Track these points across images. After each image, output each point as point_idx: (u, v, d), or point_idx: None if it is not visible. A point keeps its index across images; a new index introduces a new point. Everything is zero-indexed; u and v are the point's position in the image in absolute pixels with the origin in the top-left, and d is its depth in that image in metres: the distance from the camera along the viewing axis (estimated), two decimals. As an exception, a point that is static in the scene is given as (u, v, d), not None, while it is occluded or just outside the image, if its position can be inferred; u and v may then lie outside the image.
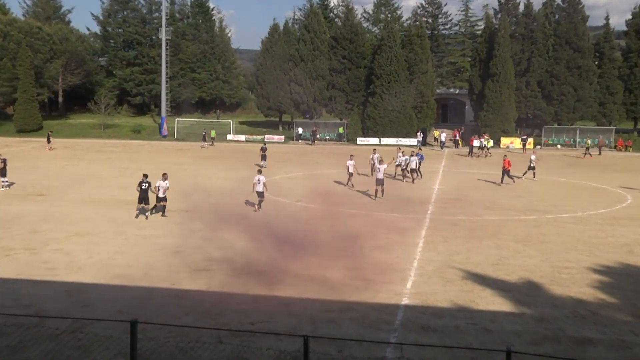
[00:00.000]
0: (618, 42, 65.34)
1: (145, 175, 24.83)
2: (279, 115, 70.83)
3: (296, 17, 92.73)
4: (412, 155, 34.64)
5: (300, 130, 64.36)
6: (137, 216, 24.14)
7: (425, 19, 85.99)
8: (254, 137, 64.50)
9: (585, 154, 51.63)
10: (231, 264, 17.59)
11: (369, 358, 11.59)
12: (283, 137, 64.35)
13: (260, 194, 25.78)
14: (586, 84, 61.10)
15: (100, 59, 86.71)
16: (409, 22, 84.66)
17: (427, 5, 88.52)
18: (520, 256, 19.00)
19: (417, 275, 16.91)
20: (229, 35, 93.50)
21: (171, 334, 12.43)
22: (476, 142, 51.57)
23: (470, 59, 74.08)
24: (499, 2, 65.82)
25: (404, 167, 35.14)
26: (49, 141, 53.57)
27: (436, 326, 13.27)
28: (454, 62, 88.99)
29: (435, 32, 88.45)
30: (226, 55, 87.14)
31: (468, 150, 51.78)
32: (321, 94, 65.88)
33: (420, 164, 35.36)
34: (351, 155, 33.22)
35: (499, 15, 64.40)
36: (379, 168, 29.69)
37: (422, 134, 59.70)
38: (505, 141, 59.41)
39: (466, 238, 21.21)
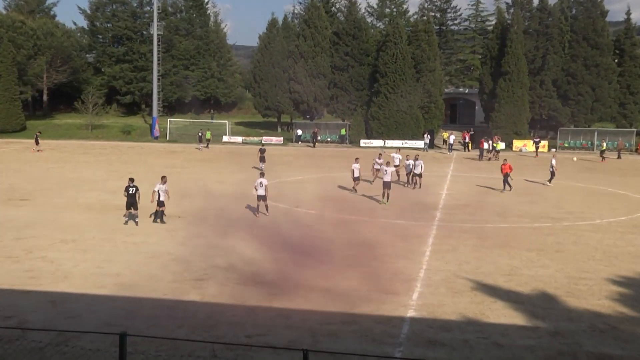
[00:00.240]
0: (640, 38, 65.47)
1: (132, 180, 24.84)
2: (277, 116, 70.87)
3: (296, 11, 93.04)
4: (416, 159, 34.61)
5: (299, 131, 64.41)
6: (126, 222, 24.18)
7: (433, 14, 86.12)
8: (251, 138, 64.57)
9: (602, 157, 51.55)
10: (226, 273, 17.61)
11: (373, 374, 11.60)
12: (282, 138, 64.41)
13: (263, 198, 25.85)
14: (605, 83, 61.13)
15: (87, 55, 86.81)
16: (415, 16, 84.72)
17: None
18: (534, 266, 19.00)
19: (423, 285, 16.91)
20: (224, 30, 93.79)
21: (162, 347, 12.45)
22: (486, 145, 51.59)
23: (480, 56, 74.20)
24: (512, -5, 65.96)
25: (408, 171, 35.13)
26: (37, 142, 53.61)
27: (444, 340, 13.27)
28: (464, 59, 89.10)
29: (444, 27, 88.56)
30: (222, 51, 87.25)
31: (478, 153, 51.77)
32: (322, 93, 65.89)
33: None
34: (357, 159, 33.24)
35: (512, 10, 64.47)
36: (385, 170, 29.94)
37: (429, 136, 59.71)
38: (517, 144, 59.44)
39: (476, 246, 21.21)
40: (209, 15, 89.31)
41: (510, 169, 33.24)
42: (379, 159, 35.31)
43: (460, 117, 77.70)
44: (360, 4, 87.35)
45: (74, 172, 40.04)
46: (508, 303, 15.58)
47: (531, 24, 62.96)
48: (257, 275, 17.41)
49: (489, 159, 50.25)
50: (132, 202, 24.26)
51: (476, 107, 73.52)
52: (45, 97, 79.65)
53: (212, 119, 75.99)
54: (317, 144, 61.75)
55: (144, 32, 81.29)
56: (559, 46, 61.79)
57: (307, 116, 69.71)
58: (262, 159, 41.27)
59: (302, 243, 20.86)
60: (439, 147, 61.52)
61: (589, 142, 60.01)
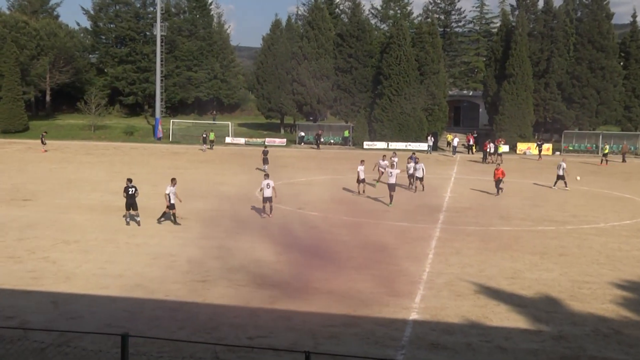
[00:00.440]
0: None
1: (130, 180, 24.91)
2: (280, 117, 70.93)
3: (300, 12, 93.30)
4: (417, 162, 34.51)
5: (302, 133, 64.43)
6: (128, 223, 24.22)
7: (437, 16, 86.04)
8: (254, 140, 64.63)
9: (602, 160, 51.35)
10: (229, 275, 17.63)
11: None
12: (285, 140, 64.45)
13: (270, 199, 25.89)
14: (610, 85, 61.05)
15: (90, 56, 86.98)
16: (419, 18, 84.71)
17: (439, 1, 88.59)
18: (538, 269, 18.98)
19: (426, 288, 16.91)
20: (228, 31, 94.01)
21: (164, 348, 12.47)
22: (491, 148, 51.49)
23: (485, 59, 74.16)
24: (517, -2, 66.00)
25: (409, 174, 35.02)
26: (43, 142, 53.78)
27: (446, 343, 13.27)
28: (468, 61, 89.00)
29: (448, 29, 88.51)
30: (225, 52, 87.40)
31: (482, 156, 51.74)
32: (325, 95, 65.91)
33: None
34: (362, 161, 33.21)
35: (517, 12, 64.51)
36: (391, 172, 30.10)
37: (432, 139, 59.70)
38: (521, 147, 59.40)
39: (479, 249, 21.21)
40: (212, 16, 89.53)
41: (503, 174, 32.97)
42: (383, 160, 35.31)
43: (464, 119, 77.65)
44: (364, 6, 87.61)
45: (76, 172, 40.11)
46: (511, 306, 15.57)
47: (536, 27, 62.93)
48: (260, 277, 17.44)
49: (492, 162, 50.13)
50: (131, 202, 24.31)
51: (480, 110, 73.44)
52: (48, 98, 79.80)
53: (214, 120, 76.03)
54: (320, 145, 61.74)
55: (147, 33, 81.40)
56: (564, 49, 61.72)
57: (311, 118, 69.75)
58: (265, 161, 41.35)
59: (304, 245, 20.89)
60: (442, 149, 61.50)
61: (594, 145, 59.92)
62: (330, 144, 64.07)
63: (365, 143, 61.73)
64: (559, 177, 35.46)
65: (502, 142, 53.90)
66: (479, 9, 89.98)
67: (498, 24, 71.91)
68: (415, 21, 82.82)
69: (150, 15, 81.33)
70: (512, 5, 68.22)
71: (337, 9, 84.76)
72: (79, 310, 14.86)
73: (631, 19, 64.79)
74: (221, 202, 29.14)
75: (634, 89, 61.78)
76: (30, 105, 77.22)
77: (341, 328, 13.94)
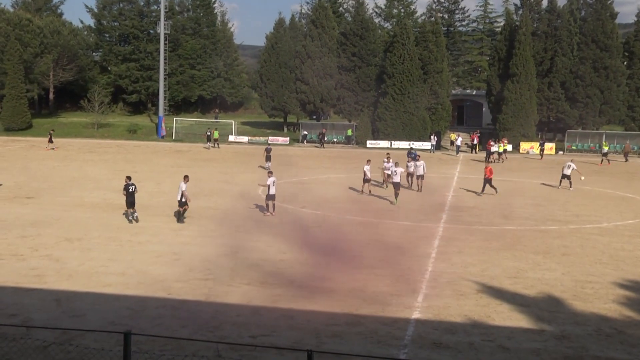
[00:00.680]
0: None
1: (129, 178, 24.97)
2: (283, 116, 70.95)
3: (303, 11, 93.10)
4: (417, 160, 34.38)
5: (305, 132, 64.42)
6: (130, 221, 24.24)
7: (441, 15, 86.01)
8: (257, 138, 64.64)
9: (602, 160, 51.23)
10: (231, 273, 17.64)
11: (377, 375, 11.59)
12: (288, 139, 64.45)
13: (273, 197, 25.92)
14: (614, 85, 60.96)
15: (94, 54, 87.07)
16: (423, 17, 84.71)
17: (443, 0, 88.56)
18: (540, 269, 18.97)
19: (429, 287, 16.90)
20: (231, 29, 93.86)
21: (166, 347, 12.49)
22: (494, 147, 51.41)
23: (488, 58, 74.10)
24: (520, -3, 65.86)
25: (410, 172, 34.95)
26: (50, 141, 53.85)
27: (449, 342, 13.27)
28: (471, 61, 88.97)
29: (452, 28, 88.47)
30: (228, 51, 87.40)
31: (485, 155, 51.68)
32: (329, 94, 65.89)
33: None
34: (368, 160, 33.17)
35: (520, 12, 64.37)
36: (395, 171, 30.13)
37: (436, 138, 59.64)
38: (525, 146, 59.32)
39: (482, 249, 21.20)
40: (215, 15, 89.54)
41: (491, 172, 32.82)
42: (388, 162, 35.28)
43: (467, 118, 77.61)
44: (367, 5, 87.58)
45: (79, 170, 40.16)
46: (514, 306, 15.56)
47: (540, 26, 62.84)
48: (262, 276, 17.45)
49: (494, 161, 50.10)
50: (132, 200, 24.37)
51: (483, 109, 73.42)
52: (51, 96, 79.90)
53: (216, 119, 76.06)
54: (324, 144, 61.68)
55: (151, 31, 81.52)
56: (568, 48, 61.60)
57: (314, 116, 69.74)
58: (268, 158, 41.39)
59: (307, 244, 20.88)
60: (446, 148, 61.45)
61: (597, 145, 59.75)
62: (333, 142, 64.04)
63: (368, 142, 61.69)
64: (565, 177, 35.26)
65: (506, 142, 53.80)
66: (482, 8, 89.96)
67: (502, 23, 71.92)
68: (419, 20, 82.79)
69: (154, 14, 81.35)
70: (516, 5, 68.02)
71: (340, 8, 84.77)
72: (82, 308, 14.88)
73: (635, 19, 64.73)
74: (224, 200, 29.18)
75: (637, 88, 61.66)
76: (33, 103, 77.29)
77: (344, 327, 13.94)
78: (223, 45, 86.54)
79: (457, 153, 56.79)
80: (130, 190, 24.35)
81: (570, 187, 34.95)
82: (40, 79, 75.40)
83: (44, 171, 39.51)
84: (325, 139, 62.69)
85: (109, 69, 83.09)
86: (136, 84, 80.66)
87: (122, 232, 22.82)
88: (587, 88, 60.94)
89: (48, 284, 16.69)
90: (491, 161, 49.73)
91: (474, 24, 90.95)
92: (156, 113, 72.05)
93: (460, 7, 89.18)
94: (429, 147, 58.20)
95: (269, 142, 57.68)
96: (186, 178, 24.88)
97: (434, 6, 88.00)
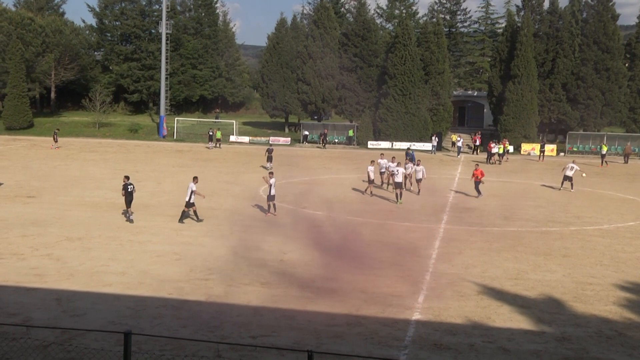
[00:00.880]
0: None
1: (127, 177, 25.03)
2: (285, 116, 70.96)
3: (305, 11, 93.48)
4: (418, 164, 34.28)
5: (306, 132, 64.40)
6: (131, 221, 24.24)
7: (443, 16, 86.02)
8: (258, 138, 64.64)
9: (602, 162, 51.20)
10: (232, 273, 17.63)
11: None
12: (289, 139, 64.43)
13: (274, 198, 25.99)
14: (615, 87, 60.92)
15: (95, 53, 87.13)
16: (425, 18, 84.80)
17: (444, 1, 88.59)
18: (541, 270, 18.95)
19: (429, 288, 16.89)
20: (233, 29, 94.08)
21: (167, 346, 12.48)
22: (495, 149, 51.34)
23: (490, 59, 74.05)
24: (522, -2, 65.88)
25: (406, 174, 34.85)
26: (55, 140, 53.90)
27: (449, 344, 13.26)
28: (473, 62, 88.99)
29: (453, 29, 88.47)
30: (230, 51, 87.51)
31: (486, 156, 51.63)
32: (330, 94, 65.91)
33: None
34: (372, 161, 33.21)
35: (522, 13, 64.30)
36: (397, 171, 30.37)
37: (437, 139, 59.61)
38: (526, 147, 59.26)
39: (483, 250, 21.18)
40: (217, 15, 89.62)
41: (482, 174, 32.51)
42: (393, 162, 35.15)
43: (468, 119, 77.62)
44: (369, 5, 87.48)
45: (80, 170, 40.17)
46: (514, 307, 15.55)
47: (541, 27, 62.80)
48: (263, 276, 17.45)
49: (494, 162, 50.10)
50: (131, 199, 24.42)
51: (485, 110, 73.40)
52: (53, 95, 79.97)
53: (216, 118, 76.03)
54: (326, 145, 61.65)
55: (153, 31, 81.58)
56: (569, 50, 61.57)
57: (315, 117, 69.73)
58: (270, 159, 41.38)
59: (307, 244, 20.88)
60: (447, 149, 61.42)
61: (599, 146, 59.68)
62: (334, 143, 64.02)
63: (369, 142, 61.67)
64: (567, 178, 35.15)
65: (507, 143, 53.75)
66: (484, 9, 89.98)
67: (503, 25, 71.76)
68: (421, 21, 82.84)
69: (155, 13, 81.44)
70: (517, 6, 67.98)
71: (342, 8, 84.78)
72: (82, 307, 14.88)
73: (637, 20, 64.73)
74: (225, 201, 29.18)
75: (639, 90, 61.59)
76: (35, 102, 77.39)
77: (344, 327, 13.94)
78: (225, 45, 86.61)
79: (458, 154, 56.75)
80: (129, 189, 24.39)
81: (572, 188, 34.92)
82: (41, 78, 75.48)
83: (45, 170, 39.52)
84: (327, 139, 62.67)
85: (111, 68, 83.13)
86: (137, 84, 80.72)
87: (123, 231, 22.82)
88: (589, 89, 60.90)
89: (48, 283, 16.69)
90: (492, 162, 49.77)
91: (476, 25, 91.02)
92: (157, 113, 72.06)
93: (462, 8, 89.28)
94: (430, 148, 58.19)
95: (270, 142, 57.65)
96: (195, 179, 24.95)
97: (435, 7, 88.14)
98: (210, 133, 58.93)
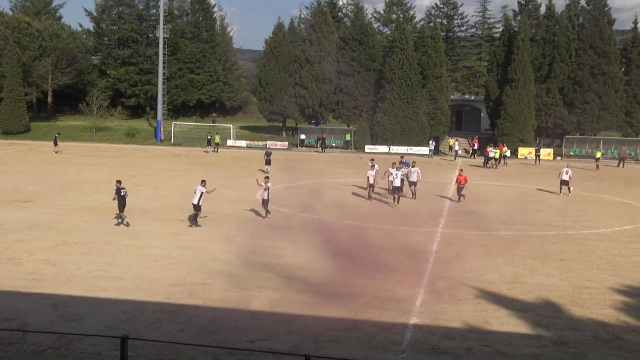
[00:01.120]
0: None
1: (119, 182, 25.03)
2: (282, 120, 70.97)
3: (302, 15, 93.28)
4: (413, 167, 33.98)
5: (303, 136, 64.39)
6: (127, 225, 24.20)
7: (440, 20, 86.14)
8: (256, 143, 64.62)
9: (597, 166, 51.26)
10: (229, 278, 17.61)
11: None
12: (286, 143, 64.41)
13: (267, 202, 26.05)
14: (611, 91, 61.05)
15: (92, 57, 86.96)
16: (422, 23, 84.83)
17: (441, 6, 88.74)
18: (538, 274, 18.96)
19: (427, 292, 16.88)
20: (230, 34, 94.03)
21: (164, 351, 12.45)
22: (492, 153, 51.38)
23: (487, 63, 74.12)
24: (519, 3, 65.98)
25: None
26: (55, 144, 53.85)
27: (447, 348, 13.25)
28: (470, 66, 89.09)
29: (450, 34, 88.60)
30: (227, 55, 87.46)
31: (483, 161, 51.70)
32: (328, 98, 65.95)
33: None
34: (372, 166, 33.06)
35: (519, 17, 64.50)
36: (396, 175, 30.39)
37: (434, 143, 59.67)
38: (523, 151, 59.35)
39: (480, 254, 21.19)
40: (215, 19, 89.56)
41: (466, 180, 32.18)
42: (392, 168, 35.01)
43: (465, 124, 77.74)
44: (367, 10, 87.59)
45: (77, 174, 40.10)
46: (512, 311, 15.55)
47: (538, 32, 62.97)
48: (260, 280, 17.43)
49: (491, 166, 50.15)
50: (124, 204, 24.42)
51: (482, 114, 73.51)
52: (49, 99, 79.76)
53: (213, 122, 76.00)
54: (325, 149, 61.61)
55: (150, 35, 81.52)
56: (566, 54, 61.72)
57: (312, 121, 69.75)
58: (268, 162, 41.39)
59: (305, 249, 20.87)
60: (444, 153, 61.46)
61: (595, 150, 59.75)
62: (332, 147, 64.02)
63: (367, 147, 61.66)
64: (564, 182, 35.15)
65: (505, 148, 53.79)
66: (481, 14, 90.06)
67: (500, 29, 71.87)
68: (418, 25, 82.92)
69: (153, 18, 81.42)
70: (514, 11, 68.27)
71: (340, 13, 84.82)
72: (79, 312, 14.85)
73: (632, 25, 64.76)
74: (222, 205, 29.15)
75: (635, 94, 61.73)
76: (32, 106, 77.20)
77: (342, 332, 13.93)
78: (222, 49, 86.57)
79: (456, 158, 56.79)
80: (122, 194, 24.39)
81: (569, 192, 34.97)
82: (38, 82, 75.34)
83: (41, 175, 39.45)
84: (325, 143, 62.66)
85: (108, 72, 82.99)
86: (135, 88, 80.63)
87: (119, 236, 22.78)
88: (585, 94, 61.05)
89: (45, 288, 16.65)
90: (489, 167, 49.86)
91: (473, 30, 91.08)
92: (155, 117, 71.97)
93: (459, 12, 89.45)
94: (428, 153, 58.24)
95: (268, 146, 57.67)
96: (203, 182, 25.02)
97: (432, 12, 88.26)
98: (209, 137, 58.96)
